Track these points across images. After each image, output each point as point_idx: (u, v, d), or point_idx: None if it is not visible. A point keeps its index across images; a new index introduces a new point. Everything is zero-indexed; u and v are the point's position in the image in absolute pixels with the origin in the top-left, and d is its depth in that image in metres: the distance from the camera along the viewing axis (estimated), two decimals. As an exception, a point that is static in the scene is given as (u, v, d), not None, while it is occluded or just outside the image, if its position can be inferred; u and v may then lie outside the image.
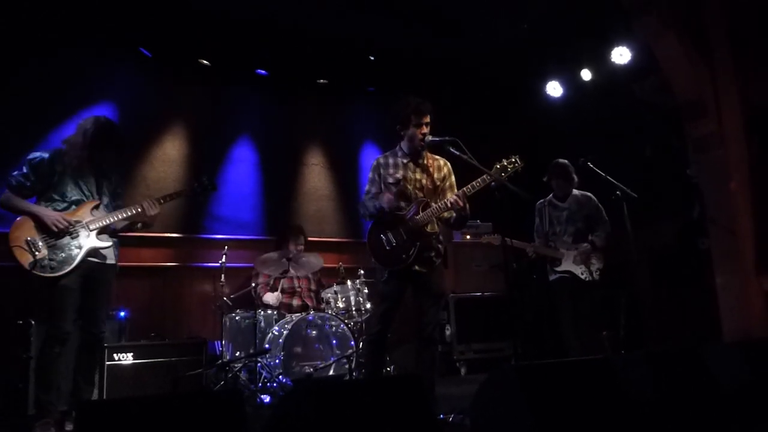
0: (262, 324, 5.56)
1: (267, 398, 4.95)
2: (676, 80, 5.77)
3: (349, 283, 5.85)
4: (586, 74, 7.09)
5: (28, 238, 3.73)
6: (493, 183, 3.81)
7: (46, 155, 3.93)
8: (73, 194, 3.94)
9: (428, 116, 4.04)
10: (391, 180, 4.06)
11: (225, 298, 5.56)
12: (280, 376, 5.11)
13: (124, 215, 4.03)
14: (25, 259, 3.69)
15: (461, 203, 3.84)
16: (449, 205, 3.89)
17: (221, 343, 5.48)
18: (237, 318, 5.64)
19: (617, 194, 4.74)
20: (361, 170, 7.72)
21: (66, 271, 3.78)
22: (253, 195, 7.12)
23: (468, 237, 6.35)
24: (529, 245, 5.45)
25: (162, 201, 4.16)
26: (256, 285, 6.01)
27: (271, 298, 5.99)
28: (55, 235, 3.77)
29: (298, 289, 6.16)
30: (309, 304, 6.03)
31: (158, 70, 6.62)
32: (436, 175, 4.12)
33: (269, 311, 5.75)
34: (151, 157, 6.57)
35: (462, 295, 6.86)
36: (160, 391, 4.69)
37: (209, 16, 6.37)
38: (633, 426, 2.66)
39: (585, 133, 7.17)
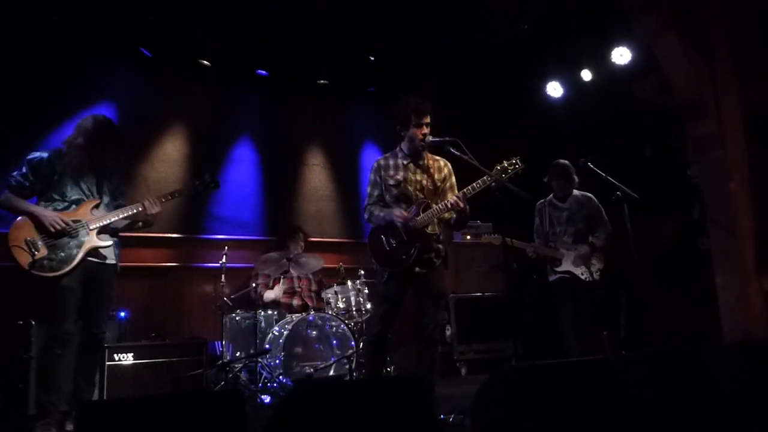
0: (263, 324, 5.56)
1: (267, 398, 4.95)
2: (676, 80, 5.77)
3: (349, 283, 5.85)
4: (586, 74, 7.09)
5: (28, 238, 3.72)
6: (493, 184, 3.81)
7: (45, 155, 3.92)
8: (73, 194, 3.93)
9: (428, 116, 4.03)
10: (391, 182, 4.05)
11: (225, 299, 5.57)
12: (281, 377, 5.11)
13: (125, 214, 4.02)
14: (24, 259, 3.68)
15: (461, 204, 3.84)
16: (449, 206, 3.89)
17: (221, 343, 5.48)
18: (237, 318, 5.65)
19: (617, 194, 4.74)
20: (362, 170, 7.73)
21: (65, 270, 3.77)
22: (254, 195, 7.12)
23: (468, 237, 6.34)
24: (530, 245, 5.45)
25: (164, 199, 4.14)
26: (257, 285, 6.01)
27: (271, 293, 6.00)
28: (53, 235, 3.76)
29: (299, 290, 6.17)
30: (309, 304, 6.03)
31: (158, 70, 6.62)
32: (436, 176, 4.12)
33: (269, 311, 5.75)
34: (151, 157, 6.58)
35: (462, 296, 6.86)
36: (160, 392, 4.69)
37: (209, 16, 6.37)
38: (633, 426, 2.66)
39: (585, 134, 7.17)
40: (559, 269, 5.35)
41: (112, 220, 3.98)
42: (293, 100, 7.52)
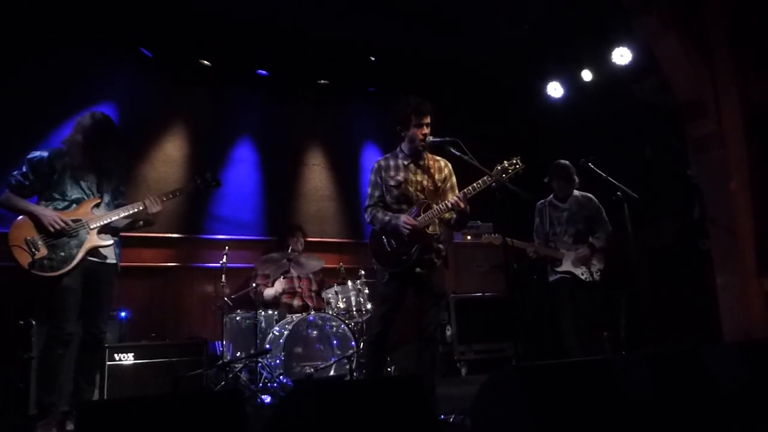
0: (263, 324, 5.56)
1: (268, 399, 4.95)
2: (676, 80, 5.77)
3: (349, 283, 5.85)
4: (586, 75, 7.09)
5: (28, 238, 3.71)
6: (494, 184, 3.81)
7: (45, 154, 3.91)
8: (73, 193, 3.92)
9: (429, 117, 4.03)
10: (392, 183, 4.05)
11: (226, 299, 5.56)
12: (281, 377, 5.11)
13: (126, 213, 4.01)
14: (24, 259, 3.68)
15: (462, 205, 3.84)
16: (450, 206, 3.89)
17: (222, 343, 5.48)
18: (238, 318, 5.64)
19: (618, 195, 4.73)
20: (362, 171, 7.73)
21: (66, 270, 3.76)
22: (254, 195, 7.12)
23: (469, 237, 6.34)
24: (530, 245, 5.45)
25: (164, 198, 4.13)
26: (257, 285, 6.01)
27: (271, 290, 6.01)
28: (53, 234, 3.75)
29: (299, 290, 6.17)
30: (310, 304, 6.03)
31: (158, 70, 6.62)
32: (437, 177, 4.12)
33: (270, 311, 5.75)
34: (151, 157, 6.58)
35: (463, 296, 6.86)
36: (160, 392, 4.69)
37: (209, 16, 6.37)
38: (633, 426, 2.67)
39: (585, 134, 7.17)
40: (559, 269, 5.35)
41: (113, 219, 3.97)
42: (293, 100, 7.52)
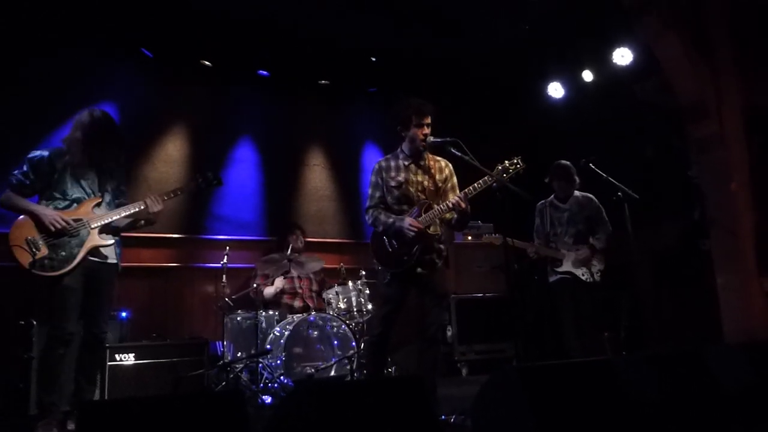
0: (264, 325, 5.56)
1: (268, 399, 4.95)
2: (677, 81, 5.77)
3: (350, 283, 5.85)
4: (587, 75, 7.08)
5: (29, 238, 3.71)
6: (494, 184, 3.81)
7: (46, 153, 3.90)
8: (74, 192, 3.91)
9: (429, 117, 4.03)
10: (393, 183, 4.04)
11: (226, 299, 5.56)
12: (282, 377, 5.11)
13: (127, 212, 3.99)
14: (25, 259, 3.67)
15: (463, 205, 3.83)
16: (451, 206, 3.89)
17: (222, 343, 5.48)
18: (238, 318, 5.64)
19: (618, 195, 4.73)
20: (363, 171, 7.73)
21: (66, 269, 3.75)
22: (255, 195, 7.12)
23: (469, 238, 6.34)
24: (530, 245, 5.45)
25: (166, 197, 4.11)
26: (257, 285, 6.01)
27: (271, 288, 6.01)
28: (54, 234, 3.75)
29: (300, 290, 6.17)
30: (310, 305, 6.03)
31: (159, 71, 6.62)
32: (437, 177, 4.11)
33: (270, 312, 5.75)
34: (152, 157, 6.58)
35: (463, 296, 6.86)
36: (161, 392, 4.69)
37: (210, 17, 6.36)
38: (634, 427, 2.66)
39: (586, 134, 7.16)
40: (559, 269, 5.35)
41: (114, 218, 3.96)
42: (294, 100, 7.52)
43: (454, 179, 4.19)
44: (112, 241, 3.99)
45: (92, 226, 3.87)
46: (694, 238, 6.07)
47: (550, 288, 5.46)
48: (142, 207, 4.01)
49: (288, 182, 7.37)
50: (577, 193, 5.50)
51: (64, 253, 3.76)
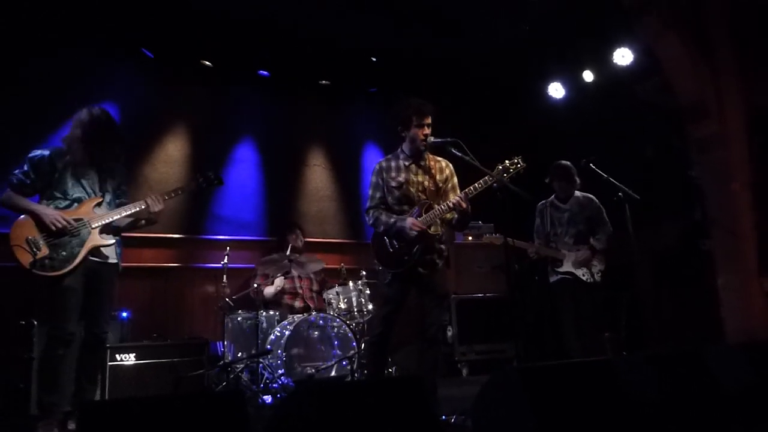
0: (264, 325, 5.56)
1: (269, 399, 4.95)
2: (678, 81, 5.77)
3: (351, 284, 5.85)
4: (588, 75, 7.08)
5: (29, 237, 3.70)
6: (495, 185, 3.80)
7: (47, 153, 3.90)
8: (74, 191, 3.90)
9: (430, 117, 4.03)
10: (393, 184, 4.05)
11: (227, 299, 5.56)
12: (282, 377, 5.11)
13: (128, 212, 3.98)
14: (26, 259, 3.66)
15: (464, 205, 3.83)
16: (451, 206, 3.88)
17: (223, 343, 5.48)
18: (239, 319, 5.64)
19: (619, 195, 4.72)
20: (363, 171, 7.73)
21: (67, 269, 3.74)
22: (255, 195, 7.12)
23: (470, 238, 6.34)
24: (531, 245, 5.45)
25: (167, 197, 4.10)
26: (258, 285, 6.01)
27: (271, 288, 6.01)
28: (55, 233, 3.75)
29: (300, 291, 6.17)
30: (311, 305, 6.03)
31: (159, 71, 6.62)
32: (438, 177, 4.11)
33: (271, 312, 5.75)
34: (152, 157, 6.58)
35: (464, 296, 6.86)
36: (162, 392, 4.69)
37: (210, 17, 6.36)
38: (635, 428, 2.66)
39: (587, 134, 7.15)
40: (560, 270, 5.35)
41: (115, 218, 3.95)
42: (294, 100, 7.52)
43: (455, 179, 4.19)
44: (113, 241, 3.98)
45: (93, 226, 3.86)
46: (694, 238, 6.07)
47: (551, 288, 5.46)
48: (143, 206, 4.00)
49: (288, 182, 7.37)
50: (577, 193, 5.50)
51: (64, 253, 3.75)
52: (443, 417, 3.82)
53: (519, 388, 2.48)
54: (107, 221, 3.92)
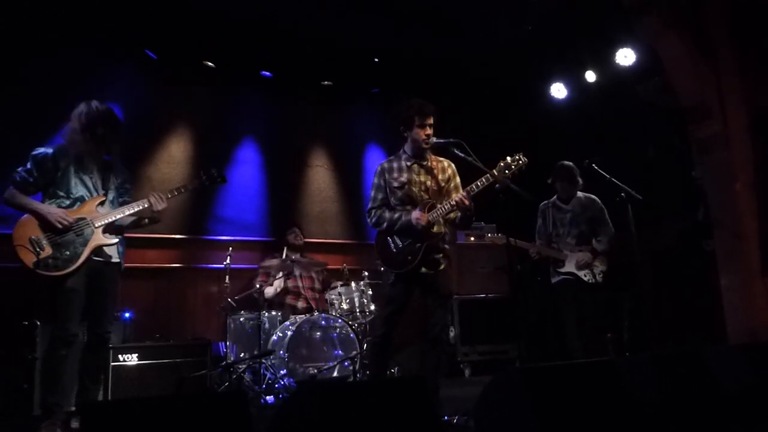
0: (267, 325, 5.57)
1: (271, 399, 4.96)
2: (679, 81, 5.75)
3: (353, 284, 5.85)
4: (590, 76, 7.07)
5: (32, 237, 3.70)
6: (497, 185, 3.80)
7: (50, 150, 3.90)
8: (77, 190, 3.90)
9: (431, 117, 4.03)
10: (396, 184, 4.05)
11: (229, 300, 5.57)
12: (285, 378, 5.11)
13: (131, 211, 3.97)
14: (29, 259, 3.66)
15: (467, 202, 3.83)
16: (454, 203, 3.88)
17: (225, 344, 5.49)
18: (241, 319, 5.65)
19: (621, 196, 4.71)
20: (365, 172, 7.73)
21: (71, 269, 3.74)
22: (258, 196, 7.13)
23: (472, 238, 6.35)
24: (532, 245, 5.44)
25: (170, 195, 4.09)
26: (260, 285, 6.02)
27: (271, 288, 6.02)
28: (59, 233, 3.74)
29: (302, 291, 6.17)
30: (313, 305, 6.04)
31: (159, 71, 6.62)
32: (440, 177, 4.11)
33: (273, 312, 5.76)
34: (155, 158, 6.59)
35: (466, 297, 6.85)
36: (164, 392, 4.69)
37: (212, 17, 6.37)
38: (637, 428, 2.66)
39: (589, 135, 7.15)
40: (562, 270, 5.34)
41: (118, 216, 3.94)
42: (296, 101, 7.53)
43: (457, 179, 4.20)
44: (116, 240, 3.97)
45: (96, 225, 3.86)
46: (695, 238, 6.06)
47: (553, 289, 5.46)
48: (146, 205, 4.00)
49: (290, 183, 7.38)
50: (580, 194, 5.49)
51: (68, 253, 3.75)
52: (446, 417, 3.82)
53: (521, 388, 2.48)
54: (110, 220, 3.91)
